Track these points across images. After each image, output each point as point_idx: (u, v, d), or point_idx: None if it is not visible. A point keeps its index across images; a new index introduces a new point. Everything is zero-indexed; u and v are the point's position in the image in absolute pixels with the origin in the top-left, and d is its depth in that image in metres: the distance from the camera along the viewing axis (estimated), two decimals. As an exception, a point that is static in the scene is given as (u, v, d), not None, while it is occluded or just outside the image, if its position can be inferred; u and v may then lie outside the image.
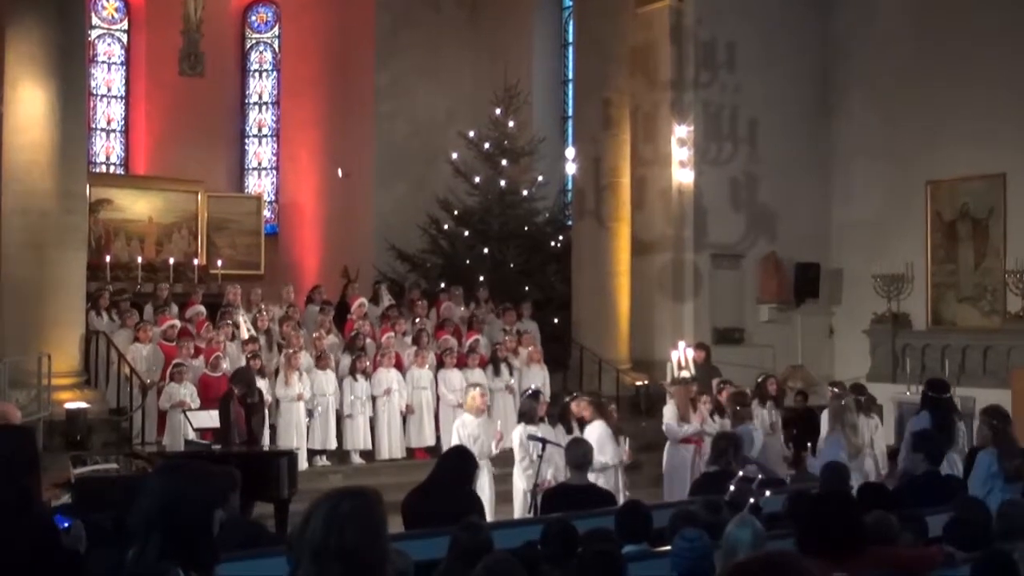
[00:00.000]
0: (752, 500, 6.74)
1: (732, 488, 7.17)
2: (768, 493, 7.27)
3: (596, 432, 10.17)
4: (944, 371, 15.79)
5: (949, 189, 17.14)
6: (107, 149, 22.47)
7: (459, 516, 5.67)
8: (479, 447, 10.17)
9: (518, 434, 10.37)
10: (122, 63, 22.59)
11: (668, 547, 5.59)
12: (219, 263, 19.30)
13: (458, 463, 7.16)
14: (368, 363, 13.86)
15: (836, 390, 12.45)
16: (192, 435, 11.60)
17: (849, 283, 18.51)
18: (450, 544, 5.31)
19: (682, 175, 17.53)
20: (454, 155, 19.21)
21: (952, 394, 11.18)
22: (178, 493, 3.18)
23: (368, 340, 14.43)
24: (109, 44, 22.52)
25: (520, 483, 10.29)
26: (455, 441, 10.13)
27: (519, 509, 10.22)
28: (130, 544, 3.20)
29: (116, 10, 22.51)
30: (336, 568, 2.88)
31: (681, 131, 17.52)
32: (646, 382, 16.29)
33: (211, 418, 11.68)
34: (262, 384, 12.40)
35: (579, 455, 7.87)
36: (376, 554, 2.95)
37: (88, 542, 5.06)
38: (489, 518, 8.90)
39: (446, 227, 19.27)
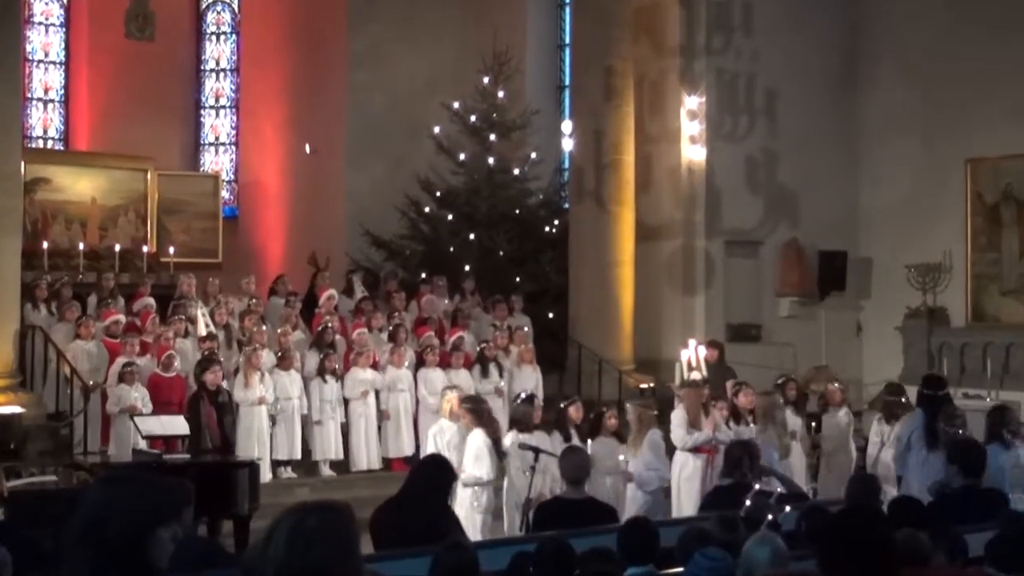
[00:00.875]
0: (771, 516, 6.76)
1: (748, 503, 7.18)
2: (788, 508, 7.29)
3: (474, 443, 10.19)
4: (986, 372, 15.87)
5: (991, 168, 17.17)
6: (44, 121, 22.36)
7: (433, 532, 5.66)
8: (459, 456, 10.21)
9: (509, 443, 10.41)
10: (61, 24, 22.48)
11: (678, 569, 5.61)
12: (171, 250, 19.22)
13: (434, 472, 7.17)
14: (338, 362, 13.85)
15: (839, 385, 12.69)
16: (141, 444, 11.60)
17: (879, 274, 18.53)
18: (431, 565, 5.31)
19: (692, 152, 17.54)
20: (436, 129, 19.17)
21: (947, 391, 11.38)
22: (109, 507, 3.16)
23: (338, 337, 14.42)
24: (47, 3, 22.39)
25: (505, 495, 10.33)
26: (431, 450, 10.16)
27: (509, 525, 10.25)
28: (63, 564, 3.18)
29: (55, -35, 22.43)
30: (300, 587, 2.88)
31: (692, 103, 17.51)
32: (652, 384, 16.30)
33: (162, 424, 11.70)
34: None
35: (575, 465, 7.87)
36: (347, 572, 2.94)
37: (23, 563, 5.05)
38: (471, 536, 8.92)
39: (427, 210, 19.25)
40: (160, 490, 3.32)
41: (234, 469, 10.87)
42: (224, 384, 12.57)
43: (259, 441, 12.96)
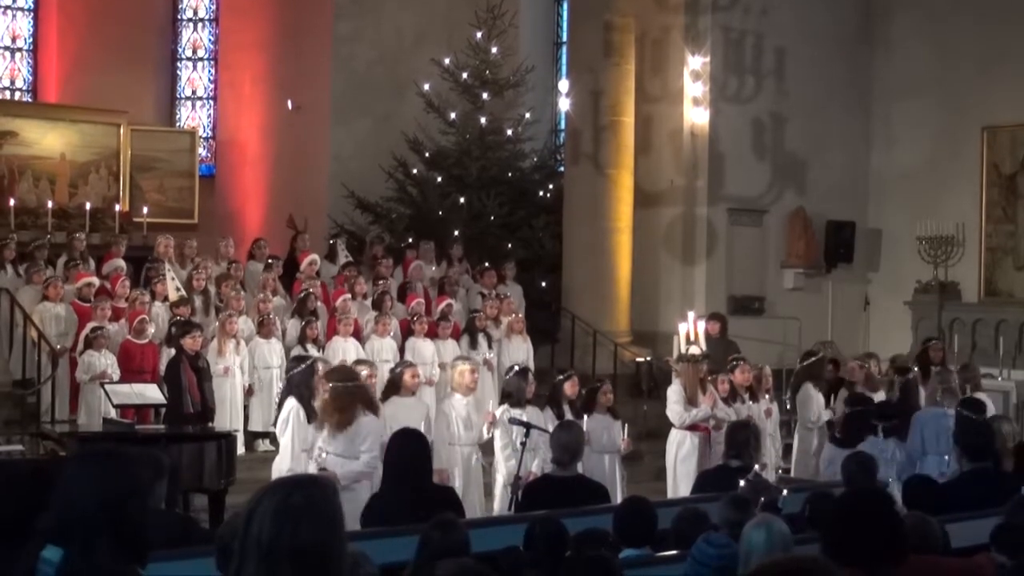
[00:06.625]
0: (766, 498, 6.79)
1: (744, 484, 7.21)
2: (786, 491, 7.32)
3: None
4: (998, 350, 15.91)
5: (1009, 136, 17.18)
6: (12, 71, 22.24)
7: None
8: (472, 432, 10.42)
9: (499, 417, 10.43)
10: (30, -32, 22.34)
11: (673, 552, 5.63)
12: (145, 210, 19.15)
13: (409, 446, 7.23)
14: (320, 331, 13.84)
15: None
16: (111, 412, 11.62)
17: (889, 245, 18.56)
18: (419, 545, 5.32)
19: (695, 114, 17.51)
20: (426, 86, 19.10)
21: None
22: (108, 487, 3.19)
23: (319, 304, 14.40)
24: (14, -55, 22.25)
25: (501, 474, 10.37)
26: (441, 426, 10.26)
27: (500, 504, 10.28)
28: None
29: (23, -96, 22.23)
30: (287, 570, 2.89)
31: (695, 62, 17.47)
32: (649, 358, 16.34)
33: (135, 393, 11.71)
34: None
35: (565, 442, 7.87)
36: (335, 551, 2.96)
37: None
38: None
39: (415, 171, 19.21)
40: (138, 462, 3.34)
41: (208, 441, 10.88)
42: (202, 351, 12.59)
43: (235, 412, 12.98)
